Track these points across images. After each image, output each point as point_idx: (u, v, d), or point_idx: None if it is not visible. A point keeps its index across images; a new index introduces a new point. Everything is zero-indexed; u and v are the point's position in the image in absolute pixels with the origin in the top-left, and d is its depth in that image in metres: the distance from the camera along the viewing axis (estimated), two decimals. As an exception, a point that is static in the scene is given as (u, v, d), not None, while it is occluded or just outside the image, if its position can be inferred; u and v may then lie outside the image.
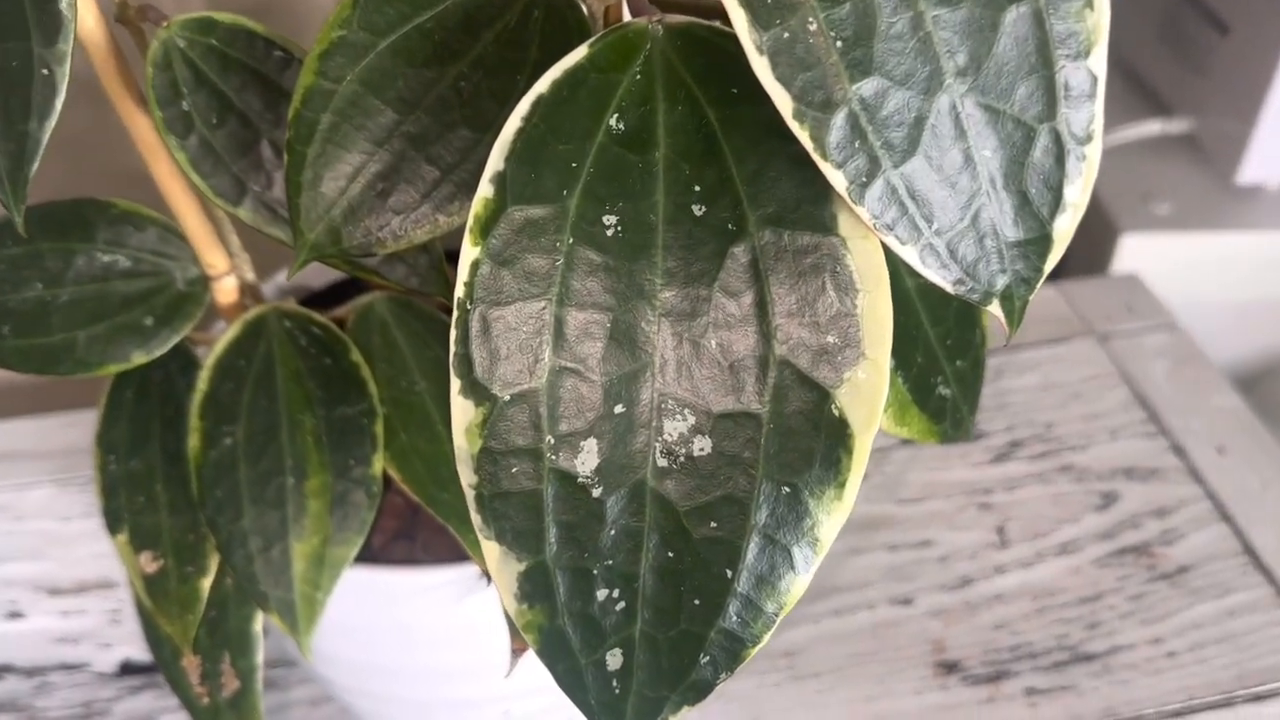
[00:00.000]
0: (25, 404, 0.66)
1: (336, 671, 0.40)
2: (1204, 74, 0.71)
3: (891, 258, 0.21)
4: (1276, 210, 0.71)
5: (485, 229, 0.21)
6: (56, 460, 0.59)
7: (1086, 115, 0.20)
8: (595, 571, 0.22)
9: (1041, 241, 0.20)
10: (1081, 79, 0.20)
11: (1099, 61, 0.20)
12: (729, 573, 0.22)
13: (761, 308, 0.21)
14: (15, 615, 0.52)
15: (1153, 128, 0.74)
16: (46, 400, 0.66)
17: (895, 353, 0.29)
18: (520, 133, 0.22)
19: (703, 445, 0.22)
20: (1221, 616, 0.50)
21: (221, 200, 0.30)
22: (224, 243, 0.35)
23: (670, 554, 0.22)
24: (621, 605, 0.22)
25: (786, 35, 0.19)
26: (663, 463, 0.22)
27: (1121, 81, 0.79)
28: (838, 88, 0.19)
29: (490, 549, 0.22)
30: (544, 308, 0.22)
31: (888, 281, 0.21)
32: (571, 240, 0.22)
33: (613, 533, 0.22)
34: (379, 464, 0.33)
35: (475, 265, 0.21)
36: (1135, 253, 0.69)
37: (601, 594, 0.22)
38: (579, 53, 0.22)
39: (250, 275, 0.36)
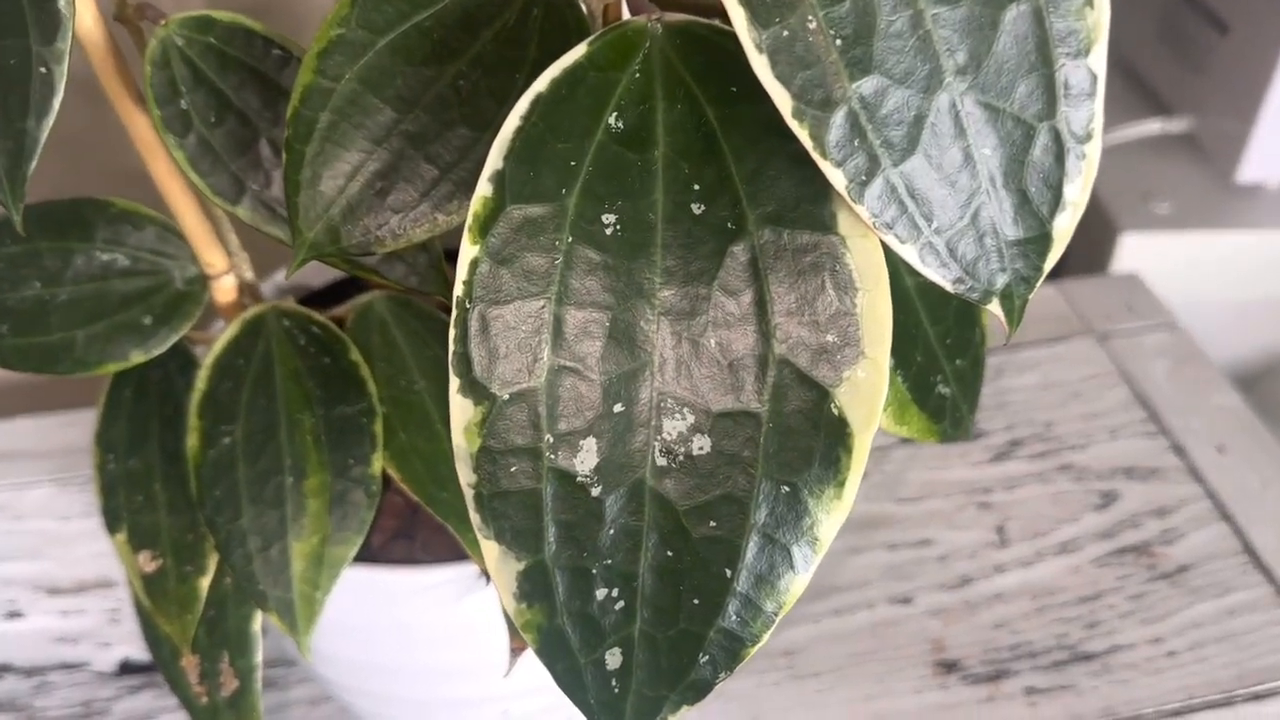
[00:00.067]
0: (24, 403, 0.66)
1: (336, 671, 0.40)
2: (1204, 73, 0.71)
3: (891, 256, 0.21)
4: (1276, 209, 0.71)
5: (484, 228, 0.21)
6: (55, 459, 0.59)
7: (1086, 114, 0.20)
8: (594, 571, 0.22)
9: (1041, 240, 0.20)
10: (1081, 77, 0.20)
11: (1099, 60, 0.20)
12: (728, 572, 0.22)
13: (761, 306, 0.21)
14: (14, 615, 0.52)
15: (1152, 127, 0.74)
16: (45, 399, 0.66)
17: (895, 352, 0.29)
18: (519, 131, 0.21)
19: (702, 444, 0.22)
20: (1221, 616, 0.50)
21: (220, 199, 0.30)
22: (223, 241, 0.35)
23: (669, 553, 0.22)
24: (621, 604, 0.22)
25: (786, 33, 0.19)
26: (662, 462, 0.22)
27: (1121, 80, 0.79)
28: (837, 86, 0.19)
29: (489, 548, 0.22)
30: (543, 306, 0.21)
31: (887, 280, 0.21)
32: (570, 239, 0.21)
33: (612, 532, 0.22)
34: (378, 463, 0.33)
35: (474, 264, 0.21)
36: (1135, 252, 0.69)
37: (601, 593, 0.22)
38: (578, 51, 0.22)
39: (249, 274, 0.36)
